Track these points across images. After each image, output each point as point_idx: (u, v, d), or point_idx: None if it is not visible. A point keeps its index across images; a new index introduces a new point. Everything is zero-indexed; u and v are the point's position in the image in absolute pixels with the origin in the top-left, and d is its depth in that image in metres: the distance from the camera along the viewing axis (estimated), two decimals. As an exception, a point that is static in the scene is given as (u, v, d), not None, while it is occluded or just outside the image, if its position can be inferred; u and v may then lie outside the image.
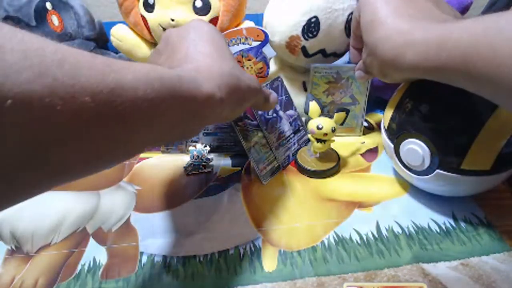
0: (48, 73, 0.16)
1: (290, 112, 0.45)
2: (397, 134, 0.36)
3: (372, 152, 0.46)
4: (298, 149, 0.46)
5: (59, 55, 0.17)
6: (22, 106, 0.15)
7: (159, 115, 0.22)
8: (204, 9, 0.48)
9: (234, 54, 0.47)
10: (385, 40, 0.31)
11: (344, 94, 0.47)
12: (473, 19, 0.25)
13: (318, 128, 0.40)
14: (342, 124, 0.42)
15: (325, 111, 0.41)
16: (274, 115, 0.44)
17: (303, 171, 0.43)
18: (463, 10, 0.43)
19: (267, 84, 0.43)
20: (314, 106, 0.41)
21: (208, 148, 0.44)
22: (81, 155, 0.18)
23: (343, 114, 0.41)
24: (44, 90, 0.16)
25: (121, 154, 0.22)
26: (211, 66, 0.28)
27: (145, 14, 0.50)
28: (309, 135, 0.42)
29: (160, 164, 0.45)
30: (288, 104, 0.45)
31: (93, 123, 0.18)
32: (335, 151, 0.45)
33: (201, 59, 0.28)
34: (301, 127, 0.46)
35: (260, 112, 0.42)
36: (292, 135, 0.46)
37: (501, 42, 0.22)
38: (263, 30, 0.47)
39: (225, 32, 0.45)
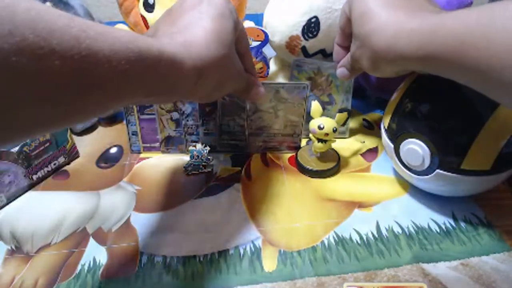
0: (17, 32, 0.16)
1: (294, 117, 0.44)
2: (397, 134, 0.36)
3: (372, 152, 0.46)
4: (275, 147, 0.46)
5: (33, 13, 0.16)
6: None
7: (132, 86, 0.22)
8: (204, 9, 0.48)
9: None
10: (379, 30, 0.30)
11: (322, 92, 0.46)
12: (468, 8, 0.25)
13: (319, 128, 0.40)
14: (343, 124, 0.42)
15: None
16: (271, 111, 0.44)
17: (304, 170, 0.43)
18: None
19: (288, 84, 0.42)
20: (316, 106, 0.41)
21: (208, 148, 0.44)
22: (46, 114, 0.19)
23: (344, 114, 0.41)
24: (11, 48, 0.15)
25: (91, 115, 0.22)
26: (204, 45, 0.27)
27: (145, 14, 0.50)
28: (310, 135, 0.42)
29: (160, 164, 0.45)
30: (298, 110, 0.44)
31: (61, 86, 0.18)
32: (336, 151, 0.45)
33: (198, 34, 0.28)
34: (295, 135, 0.46)
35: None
36: (280, 135, 0.46)
37: (494, 30, 0.22)
38: (263, 30, 0.47)
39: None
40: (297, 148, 0.46)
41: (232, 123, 0.44)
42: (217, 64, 0.28)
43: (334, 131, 0.40)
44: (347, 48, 0.39)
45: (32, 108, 0.18)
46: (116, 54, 0.20)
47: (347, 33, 0.37)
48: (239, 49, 0.33)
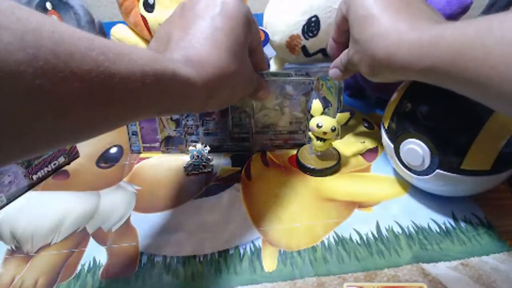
0: (41, 56, 0.16)
1: (299, 114, 0.45)
2: (397, 134, 0.36)
3: (372, 152, 0.46)
4: (280, 145, 0.47)
5: (56, 37, 0.17)
6: (11, 85, 0.16)
7: (145, 105, 0.23)
8: (204, 9, 0.48)
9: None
10: (380, 37, 0.30)
11: (315, 96, 0.47)
12: (467, 20, 0.25)
13: (318, 126, 0.40)
14: (345, 124, 0.42)
15: None
16: (277, 108, 0.44)
17: (303, 168, 0.43)
18: (463, 10, 0.43)
19: (294, 80, 0.43)
20: (317, 104, 0.41)
21: (208, 148, 0.44)
22: (64, 129, 0.20)
23: (346, 114, 0.41)
24: (35, 72, 0.16)
25: (104, 129, 0.23)
26: (217, 64, 0.28)
27: (145, 14, 0.50)
28: (310, 133, 0.42)
29: (160, 164, 0.45)
30: (303, 107, 0.44)
31: (78, 104, 0.19)
32: (337, 150, 0.45)
33: (211, 52, 0.28)
34: (300, 131, 0.46)
35: None
36: (285, 132, 0.46)
37: (493, 42, 0.22)
38: (263, 30, 0.47)
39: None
40: (302, 145, 0.47)
41: (243, 115, 0.44)
42: (230, 80, 0.29)
43: (333, 130, 0.40)
44: (342, 44, 0.38)
45: (49, 123, 0.18)
46: (132, 76, 0.21)
47: (343, 30, 0.37)
48: (251, 45, 0.33)
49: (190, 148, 0.44)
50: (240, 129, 0.45)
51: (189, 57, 0.27)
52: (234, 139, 0.46)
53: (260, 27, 0.48)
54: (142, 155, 0.47)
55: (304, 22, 0.44)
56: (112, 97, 0.20)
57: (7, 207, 0.40)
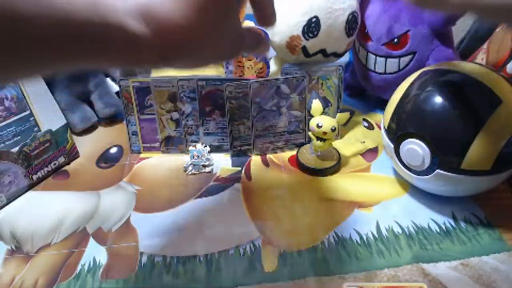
0: None
1: (297, 113, 0.45)
2: (397, 134, 0.36)
3: (372, 152, 0.46)
4: (282, 147, 0.47)
5: None
6: None
7: (73, 56, 0.19)
8: (204, 9, 0.48)
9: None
10: None
11: (315, 96, 0.47)
12: None
13: (318, 126, 0.40)
14: (345, 124, 0.42)
15: None
16: (274, 108, 0.44)
17: (304, 168, 0.43)
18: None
19: (287, 78, 0.43)
20: (317, 105, 0.41)
21: (208, 148, 0.44)
22: None
23: (346, 114, 0.41)
24: None
25: (18, 79, 0.20)
26: (177, 23, 0.21)
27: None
28: (310, 133, 0.42)
29: (160, 164, 0.45)
30: (300, 105, 0.45)
31: None
32: (337, 149, 0.45)
33: (174, 6, 0.20)
34: (300, 130, 0.46)
35: (257, 100, 0.43)
36: (285, 133, 0.46)
37: None
38: (263, 30, 0.47)
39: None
40: (302, 145, 0.47)
41: (242, 127, 0.44)
42: (193, 44, 0.22)
43: (333, 130, 0.40)
44: None
45: None
46: (50, 22, 0.17)
47: None
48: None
49: (190, 148, 0.44)
50: (240, 142, 0.46)
51: (148, 8, 0.21)
52: (236, 152, 0.46)
53: (260, 27, 0.48)
54: (142, 155, 0.47)
55: (304, 23, 0.44)
56: (18, 44, 0.16)
57: (7, 207, 0.40)
